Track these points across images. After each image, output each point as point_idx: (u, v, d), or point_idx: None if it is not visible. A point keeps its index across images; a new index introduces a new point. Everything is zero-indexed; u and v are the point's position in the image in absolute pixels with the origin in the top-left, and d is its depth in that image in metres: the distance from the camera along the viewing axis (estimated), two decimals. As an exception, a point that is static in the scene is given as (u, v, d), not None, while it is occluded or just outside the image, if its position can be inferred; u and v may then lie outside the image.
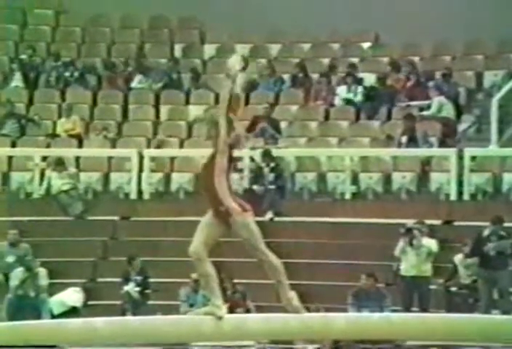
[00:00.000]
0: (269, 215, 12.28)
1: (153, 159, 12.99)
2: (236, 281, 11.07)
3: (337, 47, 14.77)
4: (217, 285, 5.26)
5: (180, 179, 12.62)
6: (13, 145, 13.73)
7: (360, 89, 13.72)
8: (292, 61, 14.51)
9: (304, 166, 13.00)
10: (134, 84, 14.38)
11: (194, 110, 13.80)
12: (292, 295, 5.27)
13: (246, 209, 5.26)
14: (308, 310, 5.38)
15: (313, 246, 11.74)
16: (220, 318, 5.16)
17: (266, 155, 12.55)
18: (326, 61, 14.51)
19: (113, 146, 13.67)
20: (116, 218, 12.50)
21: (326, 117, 13.84)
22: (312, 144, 13.33)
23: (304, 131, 13.61)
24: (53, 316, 11.28)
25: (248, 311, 10.45)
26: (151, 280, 11.47)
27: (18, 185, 13.08)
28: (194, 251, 5.26)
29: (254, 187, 12.38)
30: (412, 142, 12.79)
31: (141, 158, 12.93)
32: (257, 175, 12.54)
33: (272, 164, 12.50)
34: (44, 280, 11.62)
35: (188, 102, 14.29)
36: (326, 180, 12.82)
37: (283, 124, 13.56)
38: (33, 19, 15.47)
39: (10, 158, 13.40)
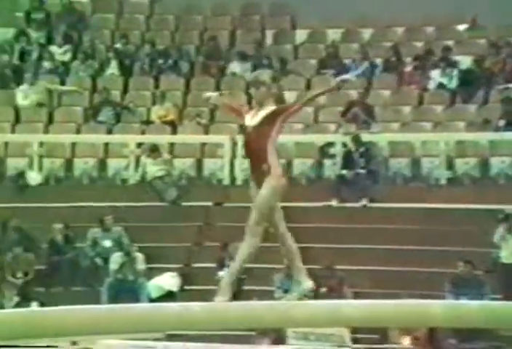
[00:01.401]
0: (363, 202, 12.18)
1: (245, 145, 13.02)
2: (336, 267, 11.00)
3: (431, 30, 14.49)
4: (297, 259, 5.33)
5: (273, 165, 12.60)
6: (109, 132, 13.98)
7: (455, 72, 13.44)
8: (384, 45, 14.31)
9: (397, 151, 12.83)
10: (230, 70, 14.42)
11: (286, 95, 13.73)
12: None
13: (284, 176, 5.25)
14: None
15: (408, 232, 11.59)
16: (307, 288, 5.14)
17: (356, 140, 12.44)
18: (420, 45, 14.25)
19: (206, 132, 13.77)
20: (209, 204, 12.60)
21: (420, 101, 13.62)
22: (405, 129, 13.14)
23: (397, 116, 13.42)
24: (151, 300, 11.46)
25: (344, 297, 10.38)
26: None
27: (114, 171, 13.31)
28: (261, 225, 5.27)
29: (344, 171, 12.29)
30: (511, 126, 12.47)
31: (234, 144, 13.00)
32: (347, 160, 12.45)
33: (362, 149, 12.39)
34: (141, 264, 11.82)
35: (279, 88, 14.24)
36: (420, 165, 12.62)
37: (376, 109, 13.40)
38: (128, 8, 15.70)
39: (106, 145, 13.65)
